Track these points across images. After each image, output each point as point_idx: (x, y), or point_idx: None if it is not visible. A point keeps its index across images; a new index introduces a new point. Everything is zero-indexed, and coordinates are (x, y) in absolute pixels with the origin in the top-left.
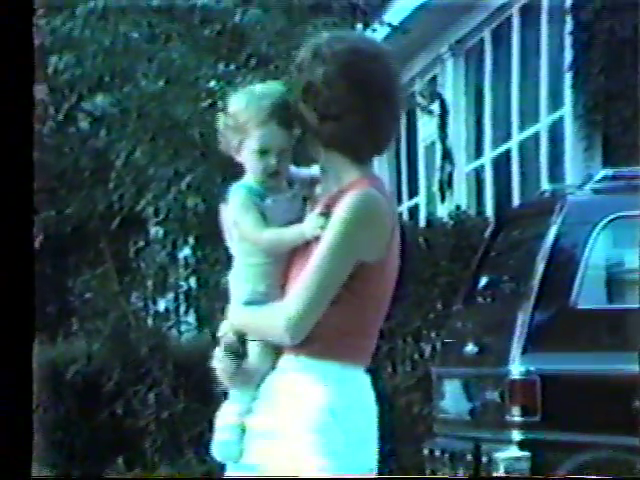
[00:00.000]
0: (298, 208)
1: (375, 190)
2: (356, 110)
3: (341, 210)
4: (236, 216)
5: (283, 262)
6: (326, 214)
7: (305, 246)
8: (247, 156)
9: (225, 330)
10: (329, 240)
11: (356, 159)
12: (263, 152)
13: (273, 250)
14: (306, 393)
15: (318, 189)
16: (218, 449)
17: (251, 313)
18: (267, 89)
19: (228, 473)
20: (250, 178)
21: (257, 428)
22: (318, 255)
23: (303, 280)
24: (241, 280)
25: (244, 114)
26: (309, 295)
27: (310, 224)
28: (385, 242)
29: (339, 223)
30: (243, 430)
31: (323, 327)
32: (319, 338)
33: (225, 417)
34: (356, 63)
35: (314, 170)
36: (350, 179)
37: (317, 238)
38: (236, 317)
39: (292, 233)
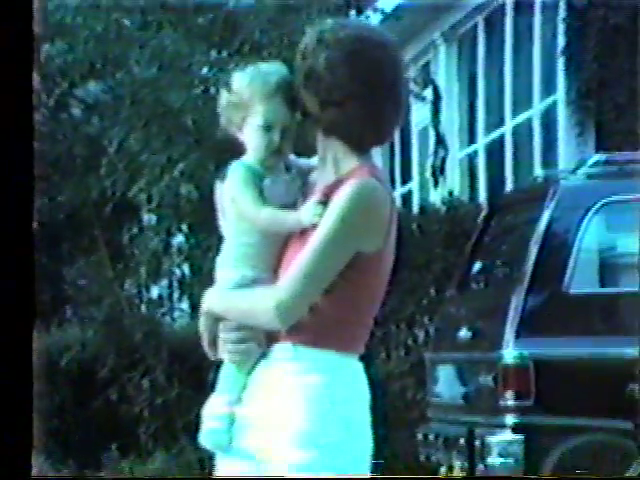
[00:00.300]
0: (294, 192)
1: (375, 180)
2: (358, 97)
3: (341, 199)
4: (235, 192)
5: (276, 247)
6: (324, 202)
7: (300, 234)
8: (250, 133)
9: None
10: (327, 228)
11: (356, 147)
12: (267, 128)
13: (270, 229)
14: (303, 382)
15: (314, 176)
16: (206, 437)
17: (238, 296)
18: (272, 67)
19: (219, 462)
20: (250, 157)
21: (249, 417)
22: (315, 242)
23: (298, 265)
24: (230, 264)
25: (248, 90)
26: (303, 281)
27: (308, 212)
28: (383, 233)
29: (338, 212)
30: (232, 419)
31: (320, 315)
32: (316, 326)
33: (213, 407)
34: (360, 51)
35: (312, 161)
36: (349, 167)
37: (314, 226)
38: (218, 302)
39: (290, 218)
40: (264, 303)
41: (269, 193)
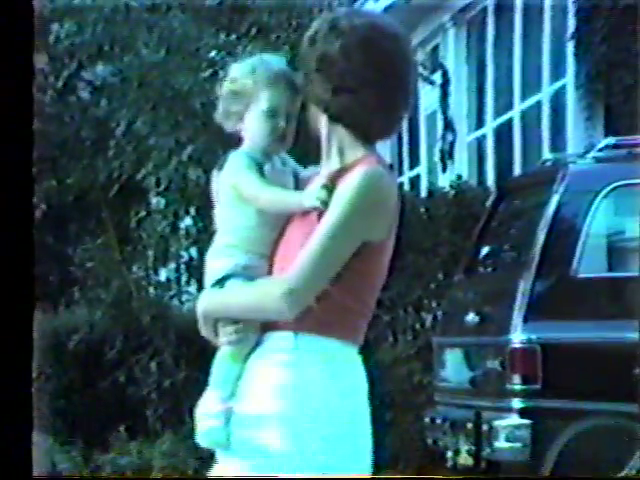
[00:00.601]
0: (290, 184)
1: (382, 168)
2: (371, 85)
3: (349, 186)
4: (237, 177)
5: (272, 233)
6: (328, 187)
7: (297, 220)
8: (254, 120)
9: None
10: (336, 216)
11: (364, 136)
12: (272, 113)
13: (271, 210)
14: (304, 372)
15: (307, 173)
16: (204, 437)
17: (239, 292)
18: (273, 56)
19: (218, 458)
20: (250, 146)
21: (247, 411)
22: (324, 229)
23: (306, 253)
24: (222, 253)
25: (251, 77)
26: (312, 269)
27: (311, 194)
28: (390, 222)
29: (348, 199)
30: (228, 415)
31: (323, 303)
32: (318, 314)
33: (208, 404)
34: (374, 39)
35: (308, 170)
36: (355, 157)
37: (317, 211)
38: (216, 302)
39: (292, 199)
40: (272, 293)
41: (269, 179)
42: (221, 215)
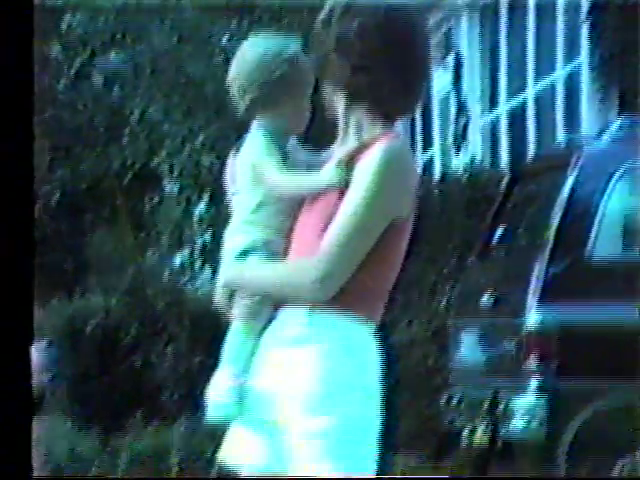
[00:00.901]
0: (305, 167)
1: (403, 144)
2: (390, 64)
3: (372, 163)
4: (257, 157)
5: (290, 210)
6: (346, 165)
7: (315, 198)
8: (286, 103)
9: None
10: (364, 194)
11: (382, 114)
12: (304, 95)
13: (291, 190)
14: (320, 348)
15: (315, 158)
16: (214, 412)
17: (265, 268)
18: (287, 38)
19: (229, 437)
20: (267, 127)
21: (261, 387)
22: (352, 210)
23: (338, 235)
24: (240, 230)
25: (288, 60)
26: (345, 251)
27: (328, 173)
28: (413, 198)
29: (373, 176)
30: (241, 392)
31: (351, 283)
32: (338, 293)
33: (219, 380)
34: (393, 19)
35: (320, 153)
36: (373, 134)
37: (337, 191)
38: (240, 274)
39: (311, 179)
40: (302, 275)
41: (290, 156)
42: (238, 195)
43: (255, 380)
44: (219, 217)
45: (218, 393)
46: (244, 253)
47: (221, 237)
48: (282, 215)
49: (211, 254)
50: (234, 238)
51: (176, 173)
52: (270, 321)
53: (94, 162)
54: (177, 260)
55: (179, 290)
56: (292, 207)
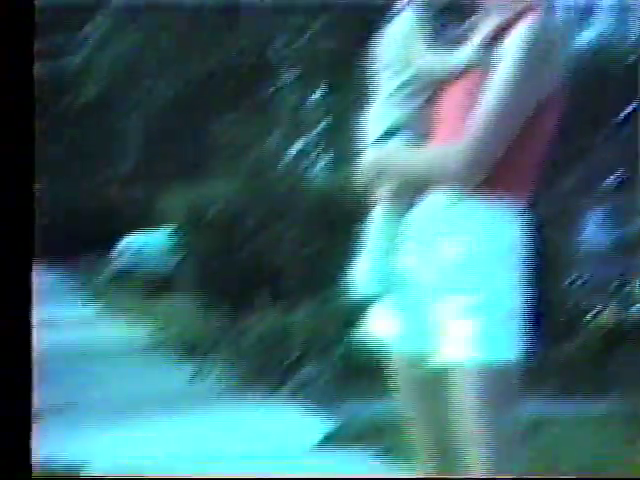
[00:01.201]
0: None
1: (549, 20)
2: None
3: (517, 41)
4: (404, 37)
5: (434, 91)
6: (489, 42)
7: (456, 78)
8: None
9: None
10: (509, 74)
11: None
12: None
13: (433, 71)
14: (467, 228)
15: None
16: (359, 291)
17: (409, 150)
18: None
19: (372, 317)
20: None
21: (406, 267)
22: (498, 91)
23: (483, 117)
24: (384, 111)
25: None
26: (492, 133)
27: (469, 50)
28: (561, 75)
29: (519, 55)
30: (381, 273)
31: (499, 166)
32: (495, 177)
33: (361, 262)
34: None
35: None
36: (516, 9)
37: (480, 69)
38: (385, 151)
39: (453, 57)
40: (449, 160)
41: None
42: (385, 72)
43: (398, 261)
44: (340, 103)
45: (362, 274)
46: (388, 133)
47: (340, 124)
48: (426, 95)
49: (331, 140)
50: (378, 117)
51: (293, 60)
52: (412, 205)
53: (211, 51)
54: (297, 146)
55: (299, 176)
56: (436, 87)
